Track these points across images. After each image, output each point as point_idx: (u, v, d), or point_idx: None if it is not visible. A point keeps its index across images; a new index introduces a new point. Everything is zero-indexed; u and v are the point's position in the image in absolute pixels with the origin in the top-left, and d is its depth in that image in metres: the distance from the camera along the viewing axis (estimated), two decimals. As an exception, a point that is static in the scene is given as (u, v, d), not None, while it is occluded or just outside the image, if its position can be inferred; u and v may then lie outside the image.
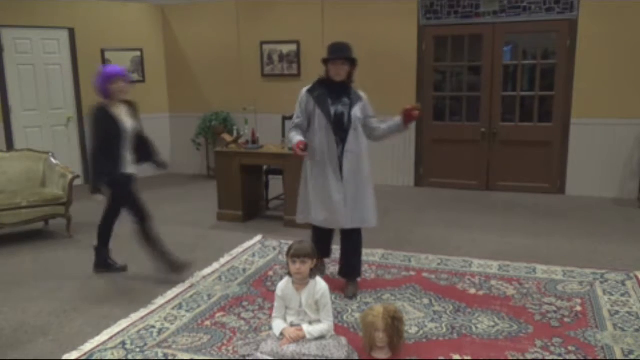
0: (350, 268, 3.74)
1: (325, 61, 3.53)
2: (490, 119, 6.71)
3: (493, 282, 3.88)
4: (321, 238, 3.83)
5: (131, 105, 4.08)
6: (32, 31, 6.99)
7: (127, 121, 3.98)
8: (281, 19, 7.41)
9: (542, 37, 6.58)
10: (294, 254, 2.85)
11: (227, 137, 5.73)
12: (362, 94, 3.65)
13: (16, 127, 7.02)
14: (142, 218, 4.00)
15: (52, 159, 5.52)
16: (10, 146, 6.75)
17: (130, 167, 4.03)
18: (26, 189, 5.27)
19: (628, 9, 5.96)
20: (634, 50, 6.01)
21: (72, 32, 7.27)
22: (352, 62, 3.54)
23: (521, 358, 2.86)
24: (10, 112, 6.96)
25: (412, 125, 6.78)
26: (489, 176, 6.84)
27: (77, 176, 5.38)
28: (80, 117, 7.48)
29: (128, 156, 4.00)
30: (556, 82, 6.42)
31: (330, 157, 3.53)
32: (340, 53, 3.49)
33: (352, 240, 3.69)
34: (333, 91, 3.54)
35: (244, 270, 4.23)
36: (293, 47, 7.41)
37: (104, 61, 7.54)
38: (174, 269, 4.01)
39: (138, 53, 7.84)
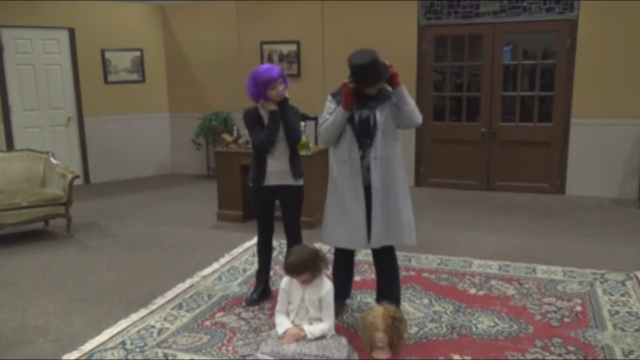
0: (386, 296, 3.17)
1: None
2: (490, 119, 6.71)
3: (493, 282, 3.88)
4: (340, 267, 3.42)
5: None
6: (32, 31, 6.99)
7: None
8: (281, 19, 7.41)
9: (542, 37, 6.57)
10: (288, 273, 2.86)
11: (227, 137, 5.73)
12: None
13: (16, 127, 7.03)
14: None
15: (52, 159, 5.51)
16: (10, 146, 6.76)
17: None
18: (26, 189, 5.26)
19: (628, 9, 5.96)
20: (634, 50, 6.01)
21: (72, 32, 7.27)
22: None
23: (521, 358, 2.86)
24: (10, 112, 6.96)
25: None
26: (489, 176, 6.84)
27: (77, 176, 5.37)
28: (80, 117, 7.48)
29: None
30: (556, 82, 6.42)
31: (352, 166, 3.10)
32: (369, 81, 2.98)
33: (385, 263, 3.30)
34: (359, 96, 3.08)
35: (244, 270, 4.23)
36: (293, 47, 7.41)
37: (104, 61, 7.56)
38: None
39: (138, 53, 7.84)
